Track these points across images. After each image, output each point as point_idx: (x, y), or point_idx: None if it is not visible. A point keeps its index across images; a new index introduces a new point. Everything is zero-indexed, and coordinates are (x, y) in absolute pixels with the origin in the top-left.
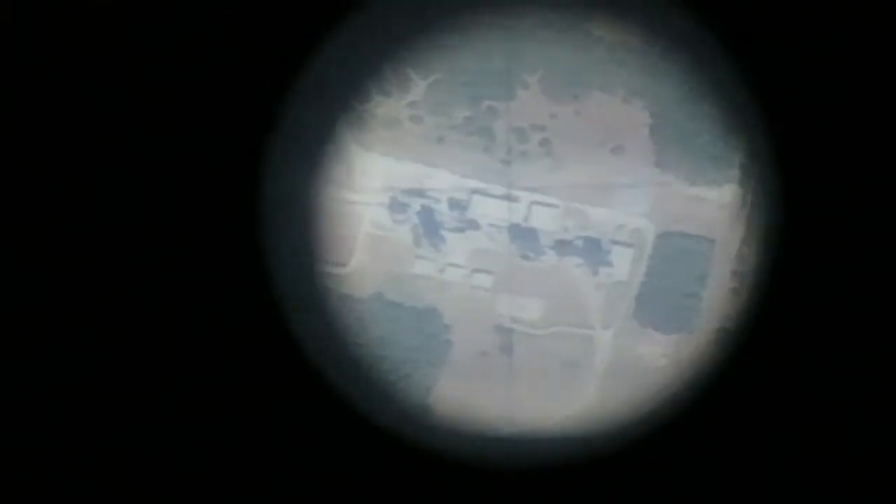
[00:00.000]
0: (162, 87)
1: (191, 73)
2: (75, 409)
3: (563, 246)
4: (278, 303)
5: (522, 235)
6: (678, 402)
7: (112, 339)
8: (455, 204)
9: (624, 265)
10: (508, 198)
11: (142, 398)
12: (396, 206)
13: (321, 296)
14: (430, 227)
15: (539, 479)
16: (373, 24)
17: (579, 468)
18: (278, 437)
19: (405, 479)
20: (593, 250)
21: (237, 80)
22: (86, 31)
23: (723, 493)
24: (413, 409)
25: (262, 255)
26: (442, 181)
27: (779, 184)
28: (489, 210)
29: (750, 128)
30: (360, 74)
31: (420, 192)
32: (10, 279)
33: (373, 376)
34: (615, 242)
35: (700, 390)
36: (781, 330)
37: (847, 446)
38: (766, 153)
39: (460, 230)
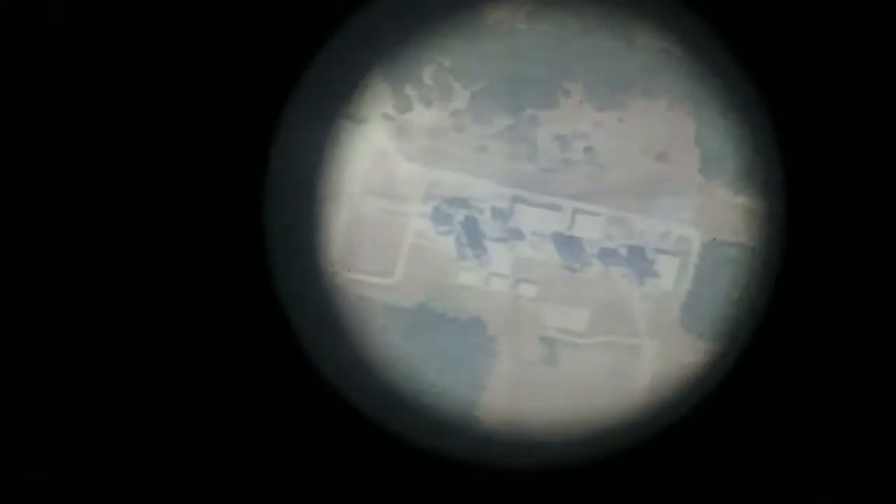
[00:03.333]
0: (165, 89)
1: (194, 74)
2: (75, 409)
3: (607, 255)
4: (282, 304)
5: (566, 244)
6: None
7: (112, 341)
8: (498, 213)
9: (669, 274)
10: (551, 206)
11: (144, 403)
12: (440, 216)
13: (325, 296)
14: (473, 237)
15: (573, 479)
16: (373, 24)
17: (609, 467)
18: (279, 437)
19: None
20: (638, 259)
21: (241, 80)
22: (88, 32)
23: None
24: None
25: (267, 256)
26: (485, 190)
27: (786, 192)
28: (532, 219)
29: (759, 136)
30: (362, 74)
31: (463, 202)
32: (10, 278)
33: (387, 386)
34: (660, 251)
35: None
36: (788, 336)
37: (851, 449)
38: (775, 163)
39: (504, 240)
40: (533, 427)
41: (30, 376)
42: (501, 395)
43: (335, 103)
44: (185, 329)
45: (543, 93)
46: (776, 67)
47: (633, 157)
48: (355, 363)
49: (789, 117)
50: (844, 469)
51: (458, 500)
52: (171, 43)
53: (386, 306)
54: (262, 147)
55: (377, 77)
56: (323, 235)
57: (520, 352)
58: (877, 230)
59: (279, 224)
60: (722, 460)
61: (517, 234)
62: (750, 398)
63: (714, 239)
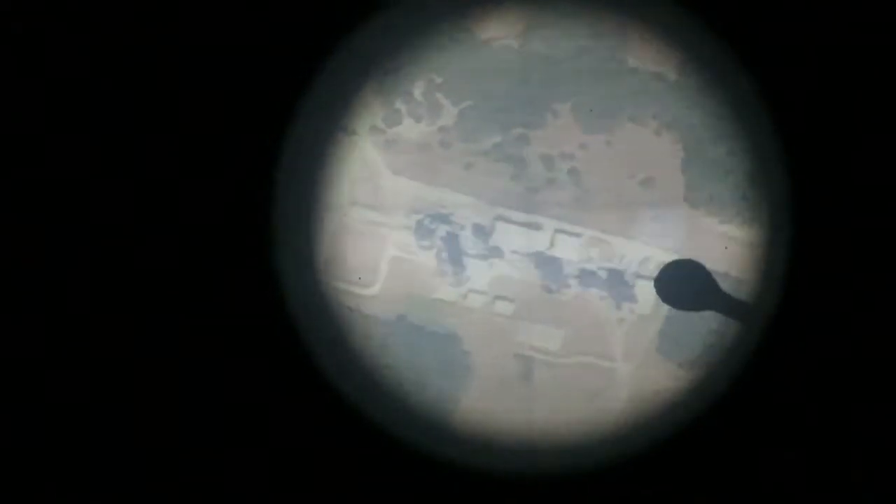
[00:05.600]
0: (172, 98)
1: (197, 76)
2: (75, 409)
3: (586, 276)
4: (289, 313)
5: (546, 264)
6: (685, 423)
7: (112, 341)
8: (479, 230)
9: (648, 300)
10: (533, 226)
11: (153, 416)
12: (422, 231)
13: (331, 307)
14: (454, 253)
15: (552, 488)
16: (368, 39)
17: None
18: (279, 438)
19: (413, 486)
20: (617, 283)
21: (244, 84)
22: (89, 32)
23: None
24: (430, 419)
25: (268, 258)
26: (467, 207)
27: (787, 216)
28: (513, 237)
29: (764, 155)
30: (356, 87)
31: (445, 218)
32: (10, 278)
33: (384, 387)
34: (639, 276)
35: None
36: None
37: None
38: (779, 184)
39: (484, 257)
40: (506, 441)
41: (30, 376)
42: (475, 409)
43: (330, 115)
44: (184, 329)
45: (532, 112)
46: (786, 78)
47: (618, 180)
48: (348, 368)
49: (799, 141)
50: (845, 471)
51: (455, 502)
52: (172, 45)
53: (366, 316)
54: (264, 150)
55: (369, 90)
56: (316, 243)
57: (494, 368)
58: (881, 240)
59: (279, 228)
60: (720, 461)
61: (497, 252)
62: (750, 400)
63: (726, 247)
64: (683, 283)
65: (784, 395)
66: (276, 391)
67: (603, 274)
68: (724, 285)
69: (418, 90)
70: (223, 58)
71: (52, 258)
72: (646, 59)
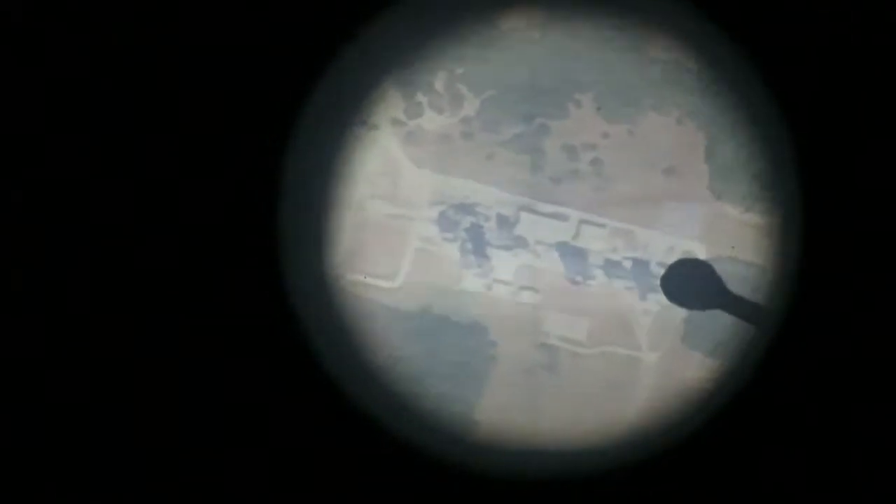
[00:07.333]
0: (179, 98)
1: (204, 76)
2: (75, 409)
3: (611, 266)
4: (289, 304)
5: (571, 254)
6: (709, 418)
7: (112, 341)
8: (503, 221)
9: None
10: (557, 216)
11: (157, 418)
12: (445, 222)
13: (338, 304)
14: (478, 244)
15: (570, 491)
16: (387, 30)
17: (609, 480)
18: (282, 437)
19: (422, 492)
20: (642, 272)
21: (255, 87)
22: (91, 33)
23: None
24: (439, 423)
25: (276, 255)
26: (491, 198)
27: (801, 206)
28: (537, 228)
29: (775, 151)
30: (375, 80)
31: (469, 209)
32: (10, 278)
33: (391, 388)
34: (664, 265)
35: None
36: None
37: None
38: (791, 178)
39: (508, 247)
40: (529, 434)
41: (30, 376)
42: (499, 400)
43: (348, 108)
44: (185, 329)
45: (553, 102)
46: (796, 78)
47: (641, 170)
48: (359, 364)
49: (808, 130)
50: (846, 471)
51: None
52: (179, 46)
53: (389, 309)
54: (274, 148)
55: (389, 83)
56: (332, 237)
57: (519, 358)
58: (889, 241)
59: (290, 225)
60: (721, 462)
61: (521, 242)
62: (756, 401)
63: (733, 247)
64: (689, 283)
65: (791, 395)
66: (278, 391)
67: (627, 264)
68: (734, 282)
69: (439, 81)
70: (233, 52)
71: (52, 258)
72: (667, 49)
